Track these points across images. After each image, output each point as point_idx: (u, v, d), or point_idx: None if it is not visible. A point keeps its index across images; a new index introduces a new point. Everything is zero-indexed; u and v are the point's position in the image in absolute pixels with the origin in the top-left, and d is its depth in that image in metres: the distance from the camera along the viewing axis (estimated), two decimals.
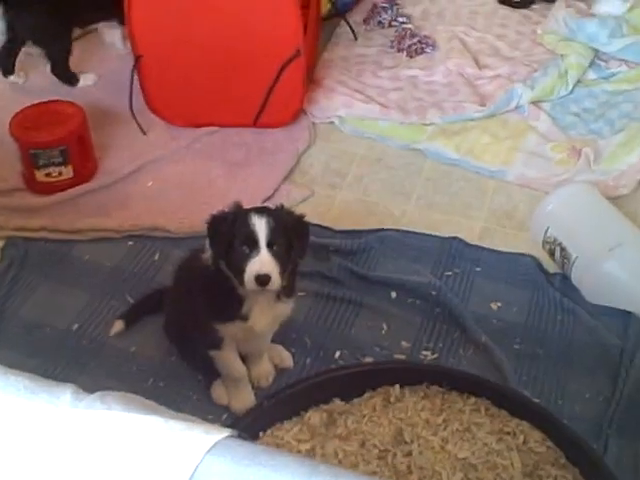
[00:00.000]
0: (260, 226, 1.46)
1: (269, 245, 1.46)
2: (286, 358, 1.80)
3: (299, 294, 1.90)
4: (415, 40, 2.86)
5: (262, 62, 2.36)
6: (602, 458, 1.56)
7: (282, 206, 1.56)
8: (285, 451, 0.96)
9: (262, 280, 1.45)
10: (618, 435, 1.64)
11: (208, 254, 1.56)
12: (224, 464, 0.91)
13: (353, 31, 2.92)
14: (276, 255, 1.47)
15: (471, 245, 2.11)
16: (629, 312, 1.88)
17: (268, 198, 2.22)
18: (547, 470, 1.51)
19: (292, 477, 0.89)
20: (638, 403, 1.69)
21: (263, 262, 1.45)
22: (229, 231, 1.48)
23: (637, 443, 1.62)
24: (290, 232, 1.50)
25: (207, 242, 1.54)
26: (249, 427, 1.56)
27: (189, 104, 2.49)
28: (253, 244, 1.46)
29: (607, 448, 1.62)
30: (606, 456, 1.60)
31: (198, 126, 2.50)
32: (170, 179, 2.35)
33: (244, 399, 1.69)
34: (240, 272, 1.47)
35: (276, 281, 1.46)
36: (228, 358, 1.65)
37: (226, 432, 0.95)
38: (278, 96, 2.41)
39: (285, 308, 1.62)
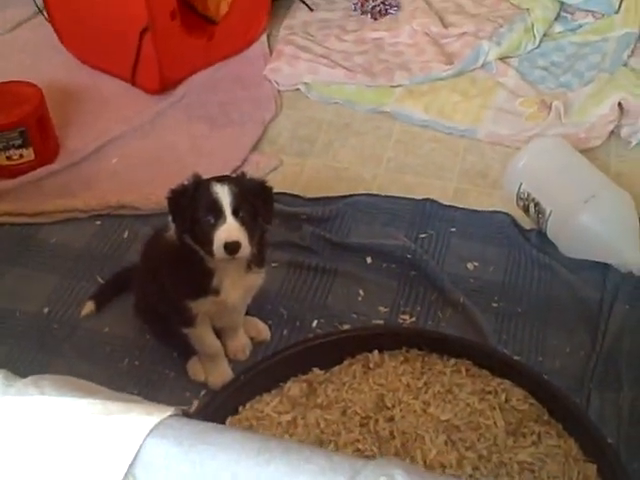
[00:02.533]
0: (223, 194, 1.42)
1: (234, 212, 1.42)
2: (263, 330, 1.77)
3: (272, 265, 1.88)
4: (379, 1, 2.81)
5: (123, 27, 2.41)
6: (585, 412, 1.56)
7: (244, 173, 1.53)
8: (233, 429, 0.93)
9: (232, 248, 1.41)
10: (600, 388, 1.63)
11: (172, 231, 1.51)
12: (168, 445, 0.87)
13: (308, 5, 2.85)
14: (243, 222, 1.43)
15: (445, 206, 2.08)
16: (606, 264, 1.87)
17: (236, 169, 2.17)
18: (530, 427, 1.50)
19: (240, 455, 0.86)
20: (618, 355, 1.68)
21: (230, 229, 1.41)
22: (191, 203, 1.44)
23: (618, 395, 1.61)
24: (254, 198, 1.46)
25: (170, 218, 1.50)
26: (227, 401, 1.54)
27: (85, 43, 2.59)
28: (218, 213, 1.42)
29: (590, 401, 1.61)
30: (589, 409, 1.59)
31: (90, 65, 2.61)
32: (135, 155, 2.30)
33: (221, 374, 1.66)
34: (208, 243, 1.43)
35: (246, 248, 1.43)
36: (202, 335, 1.62)
37: (168, 411, 0.91)
38: (145, 62, 2.45)
39: (256, 278, 1.58)
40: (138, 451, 0.86)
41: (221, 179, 1.47)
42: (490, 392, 1.57)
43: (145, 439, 0.87)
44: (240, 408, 1.56)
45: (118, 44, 2.45)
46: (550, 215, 1.91)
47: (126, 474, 0.86)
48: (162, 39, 2.40)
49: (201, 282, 1.52)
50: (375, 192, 2.14)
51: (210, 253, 1.44)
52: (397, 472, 0.82)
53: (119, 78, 2.54)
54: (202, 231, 1.44)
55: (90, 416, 0.90)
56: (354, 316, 1.81)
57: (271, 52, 2.65)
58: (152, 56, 2.41)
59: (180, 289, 1.54)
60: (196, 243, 1.48)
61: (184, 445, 0.86)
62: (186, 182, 1.48)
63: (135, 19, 2.36)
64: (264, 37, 2.71)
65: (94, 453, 0.88)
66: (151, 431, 0.88)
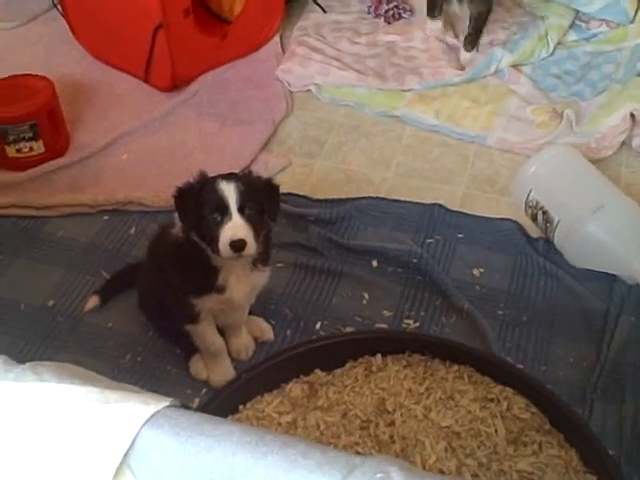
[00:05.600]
0: (229, 191, 1.42)
1: (240, 210, 1.42)
2: (266, 330, 1.77)
3: (278, 265, 1.88)
4: (392, 5, 2.80)
5: (137, 24, 2.41)
6: (587, 423, 1.55)
7: (250, 172, 1.53)
8: (230, 421, 0.92)
9: (237, 246, 1.41)
10: (602, 399, 1.62)
11: (178, 228, 1.52)
12: (164, 435, 0.87)
13: (321, 7, 2.85)
14: (249, 219, 1.43)
15: (452, 211, 2.08)
16: (613, 275, 1.86)
17: (245, 168, 2.16)
18: (531, 436, 1.50)
19: (236, 447, 0.85)
20: (622, 367, 1.68)
21: (237, 227, 1.41)
22: (197, 201, 1.43)
23: (621, 407, 1.60)
24: (260, 195, 1.46)
25: (176, 216, 1.50)
26: (228, 400, 1.54)
27: (98, 39, 2.59)
28: (224, 210, 1.42)
29: (592, 412, 1.60)
30: (591, 421, 1.58)
31: (103, 61, 2.61)
32: (145, 151, 2.30)
33: (223, 373, 1.66)
34: (214, 241, 1.43)
35: (252, 246, 1.42)
36: (205, 332, 1.62)
37: (166, 402, 0.91)
38: (157, 60, 2.45)
39: (262, 277, 1.58)
40: (134, 441, 0.86)
41: (227, 177, 1.47)
42: (492, 400, 1.56)
43: (141, 429, 0.87)
44: (241, 407, 1.56)
45: (131, 41, 2.46)
46: (558, 224, 1.90)
47: (121, 464, 0.86)
48: (175, 37, 2.40)
49: (206, 279, 1.52)
50: (383, 195, 2.14)
51: (216, 251, 1.44)
52: (393, 469, 0.82)
53: (131, 75, 2.54)
54: (208, 229, 1.44)
55: (88, 404, 0.89)
56: (358, 319, 1.81)
57: (284, 52, 2.65)
58: (165, 54, 2.42)
59: (185, 285, 1.54)
60: (202, 240, 1.47)
61: (180, 436, 0.86)
62: (192, 180, 1.48)
63: (149, 16, 2.36)
64: (277, 37, 2.71)
65: (90, 441, 0.87)
66: (147, 421, 0.87)
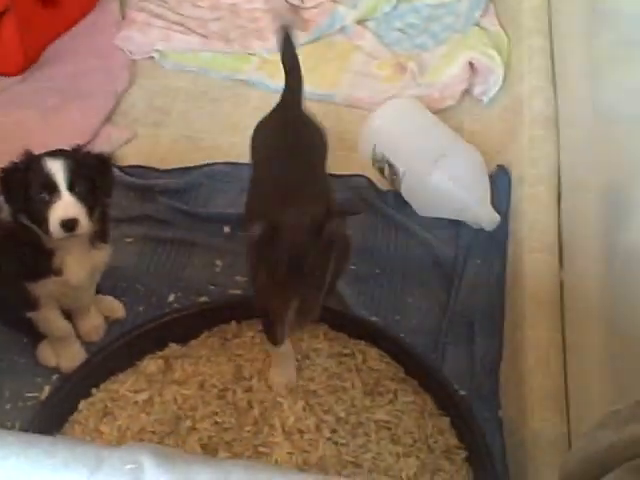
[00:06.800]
0: (57, 169, 1.37)
1: (70, 188, 1.37)
2: (117, 308, 1.72)
3: (127, 240, 1.84)
4: None
5: None
6: (439, 368, 1.59)
7: (79, 147, 1.47)
8: None
9: (69, 225, 1.37)
10: (454, 343, 1.67)
11: (5, 212, 1.44)
12: None
13: None
14: (80, 197, 1.38)
15: None
16: (459, 221, 1.90)
17: (87, 143, 2.08)
18: (387, 385, 1.52)
19: None
20: (471, 310, 1.72)
21: (67, 206, 1.36)
22: (23, 181, 1.37)
23: (471, 348, 1.65)
24: (91, 171, 1.41)
25: (2, 199, 1.43)
26: (79, 385, 1.50)
27: None
28: (52, 189, 1.36)
29: (444, 356, 1.64)
30: (444, 364, 1.62)
31: None
32: None
33: (73, 357, 1.60)
34: (44, 221, 1.37)
35: (84, 224, 1.38)
36: (48, 318, 1.55)
37: None
38: (6, 47, 2.31)
39: (102, 255, 1.53)
40: None
41: (54, 154, 1.41)
42: (347, 354, 1.58)
43: None
44: (93, 390, 1.52)
45: None
46: (404, 176, 1.93)
47: None
48: (23, 19, 2.27)
49: (40, 263, 1.46)
50: (233, 160, 2.10)
51: (47, 232, 1.38)
52: (144, 458, 0.80)
53: None
54: (37, 209, 1.38)
55: None
56: (212, 287, 1.78)
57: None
58: (14, 39, 2.29)
59: (19, 271, 1.47)
60: (32, 222, 1.41)
61: None
62: (17, 160, 1.41)
63: None
64: (116, 5, 2.60)
65: None
66: None
